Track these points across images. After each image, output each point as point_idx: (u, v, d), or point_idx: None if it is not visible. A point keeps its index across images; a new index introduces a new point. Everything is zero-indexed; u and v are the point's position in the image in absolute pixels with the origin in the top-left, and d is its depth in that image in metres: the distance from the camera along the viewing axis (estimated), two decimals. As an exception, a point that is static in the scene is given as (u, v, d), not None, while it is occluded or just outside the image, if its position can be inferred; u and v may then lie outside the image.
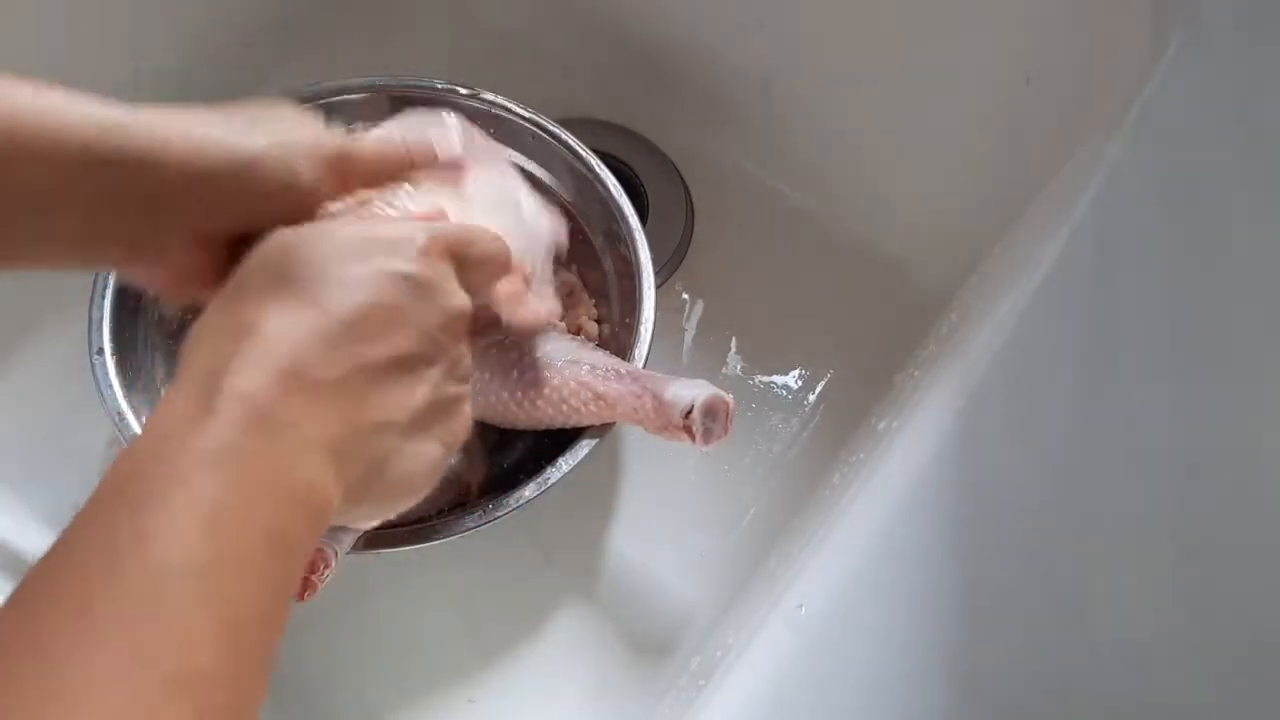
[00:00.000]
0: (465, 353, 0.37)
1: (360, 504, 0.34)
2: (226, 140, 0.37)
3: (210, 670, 0.25)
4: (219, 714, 0.25)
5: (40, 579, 0.26)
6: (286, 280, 0.32)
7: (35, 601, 0.25)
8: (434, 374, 0.35)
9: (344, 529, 0.46)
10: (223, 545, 0.27)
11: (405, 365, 0.33)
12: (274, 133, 0.38)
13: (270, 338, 0.30)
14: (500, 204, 0.45)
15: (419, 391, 0.34)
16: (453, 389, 0.36)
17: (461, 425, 0.37)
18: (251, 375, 0.29)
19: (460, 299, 0.35)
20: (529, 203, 0.47)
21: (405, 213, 0.40)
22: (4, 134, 0.34)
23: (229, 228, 0.38)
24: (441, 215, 0.40)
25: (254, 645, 0.28)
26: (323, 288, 0.32)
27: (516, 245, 0.42)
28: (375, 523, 0.38)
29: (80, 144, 0.34)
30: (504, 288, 0.41)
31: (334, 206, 0.39)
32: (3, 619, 0.25)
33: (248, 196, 0.37)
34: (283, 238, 0.34)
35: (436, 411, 0.35)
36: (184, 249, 0.38)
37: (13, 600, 0.25)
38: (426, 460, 0.36)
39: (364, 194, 0.40)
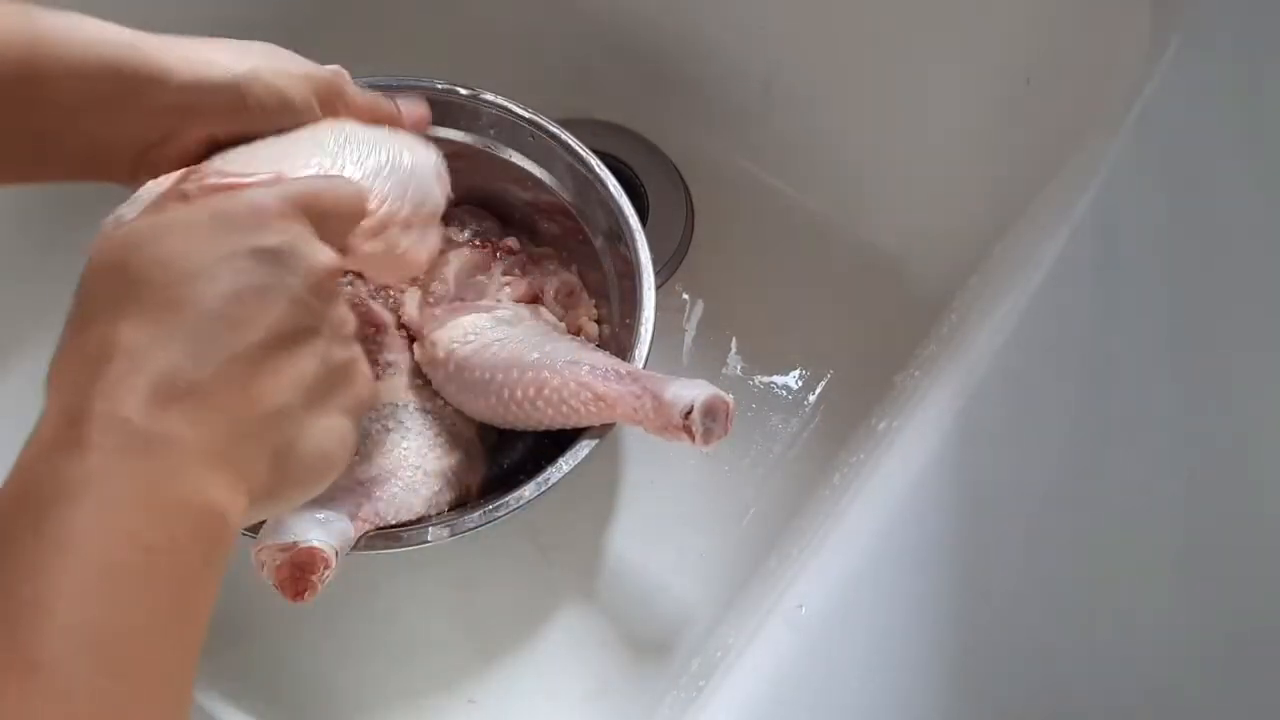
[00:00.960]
0: (345, 312, 0.35)
1: (278, 494, 0.33)
2: (222, 61, 0.39)
3: (94, 713, 0.24)
4: None
5: None
6: (134, 286, 0.30)
7: None
8: (318, 343, 0.33)
9: (344, 530, 0.46)
10: (98, 569, 0.25)
11: (284, 343, 0.32)
12: (267, 57, 0.41)
13: (131, 352, 0.28)
14: (366, 144, 0.42)
15: (305, 366, 0.32)
16: (340, 353, 0.34)
17: (363, 387, 0.36)
18: (119, 398, 0.28)
19: (323, 257, 0.33)
20: (400, 140, 0.44)
21: (235, 179, 0.37)
22: (35, 49, 0.35)
23: (230, 139, 0.40)
24: (277, 177, 0.37)
25: (148, 670, 0.26)
26: (175, 285, 0.30)
27: (384, 186, 0.40)
28: (299, 504, 0.36)
29: (100, 61, 0.36)
30: (362, 240, 0.39)
31: (153, 185, 0.37)
32: None
33: (245, 114, 0.39)
34: (117, 239, 0.32)
35: (331, 381, 0.34)
36: (185, 159, 0.39)
37: None
38: (335, 434, 0.34)
39: (194, 168, 0.38)
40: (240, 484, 0.30)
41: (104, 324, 0.29)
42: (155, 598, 0.26)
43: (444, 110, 0.58)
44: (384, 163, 0.41)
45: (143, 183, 0.38)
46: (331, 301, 0.34)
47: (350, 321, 0.36)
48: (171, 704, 0.26)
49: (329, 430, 0.34)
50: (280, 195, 0.33)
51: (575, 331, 0.60)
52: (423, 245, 0.43)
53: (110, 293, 0.30)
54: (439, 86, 0.59)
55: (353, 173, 0.40)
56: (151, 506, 0.27)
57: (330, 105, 0.42)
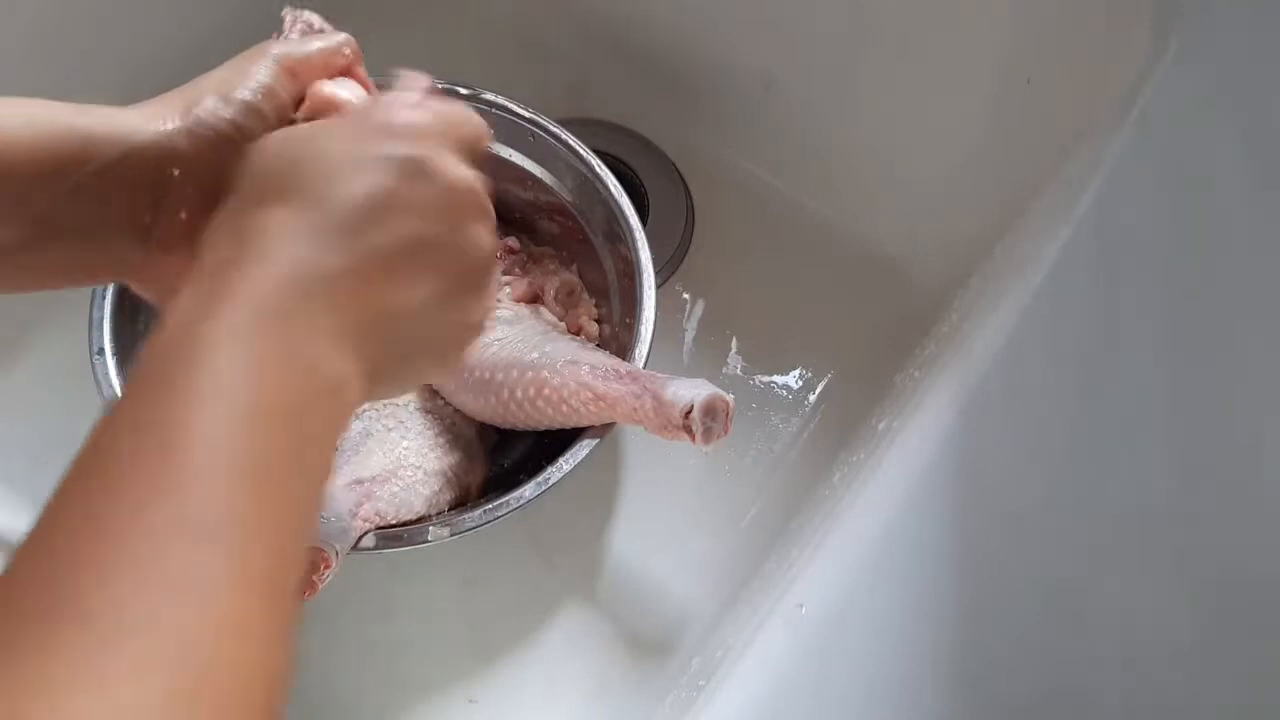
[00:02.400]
0: (483, 228, 0.37)
1: (394, 382, 0.35)
2: (211, 124, 0.38)
3: (247, 518, 0.26)
4: (258, 560, 0.26)
5: (74, 479, 0.27)
6: (291, 178, 0.32)
7: (75, 498, 0.26)
8: (450, 251, 0.35)
9: (345, 529, 0.46)
10: (236, 421, 0.28)
11: (418, 248, 0.34)
12: (241, 89, 0.39)
13: (276, 235, 0.31)
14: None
15: (433, 272, 0.34)
16: (471, 263, 0.36)
17: (488, 298, 0.38)
18: (260, 270, 0.30)
19: (462, 172, 0.35)
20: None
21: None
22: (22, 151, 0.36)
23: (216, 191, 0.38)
24: (421, 100, 0.38)
25: (281, 506, 0.28)
26: (323, 182, 0.32)
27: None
28: (405, 394, 0.38)
29: (47, 129, 0.36)
30: None
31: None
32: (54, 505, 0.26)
33: (223, 147, 0.38)
34: (283, 135, 0.35)
35: (459, 289, 0.36)
36: (193, 221, 0.38)
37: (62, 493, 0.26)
38: (454, 339, 0.37)
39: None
40: (363, 365, 0.32)
41: (260, 206, 0.32)
42: (289, 440, 0.29)
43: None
44: None
45: (166, 277, 0.39)
46: (468, 216, 0.36)
47: (484, 238, 0.37)
48: (297, 530, 0.29)
49: (448, 337, 0.36)
50: (429, 115, 0.35)
51: (575, 331, 0.60)
52: None
53: (270, 181, 0.33)
54: (439, 86, 0.58)
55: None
56: (284, 367, 0.30)
57: (298, 82, 0.41)
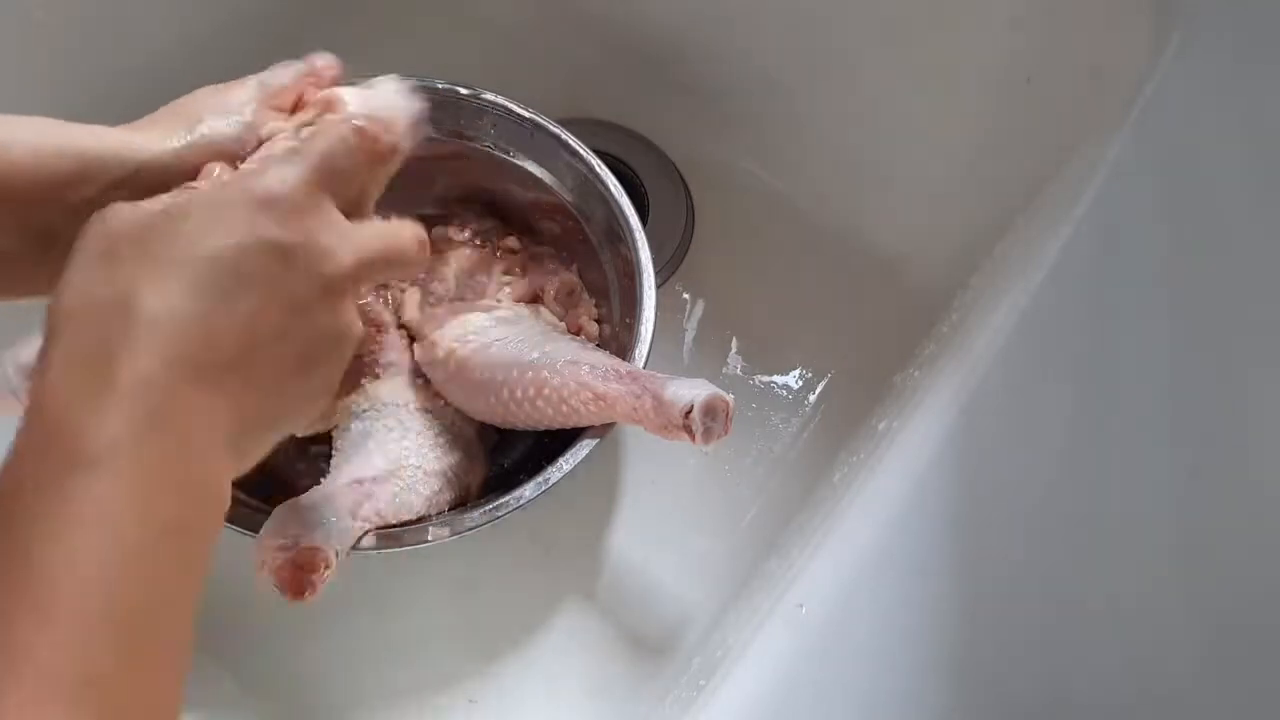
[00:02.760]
0: (348, 304, 0.35)
1: (248, 459, 0.34)
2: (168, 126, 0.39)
3: (111, 672, 0.25)
4: (125, 715, 0.25)
5: None
6: (155, 258, 0.30)
7: None
8: (320, 325, 0.34)
9: (344, 530, 0.46)
10: (115, 546, 0.26)
11: (293, 332, 0.32)
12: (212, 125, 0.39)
13: (153, 323, 0.29)
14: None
15: (309, 348, 0.33)
16: (334, 342, 0.35)
17: (349, 351, 0.36)
18: (143, 363, 0.28)
19: (340, 258, 0.33)
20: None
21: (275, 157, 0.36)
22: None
23: None
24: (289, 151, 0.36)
25: (156, 643, 0.27)
26: (195, 266, 0.30)
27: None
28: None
29: (54, 144, 0.36)
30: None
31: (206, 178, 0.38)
32: None
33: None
34: (143, 209, 0.32)
35: (329, 352, 0.35)
36: None
37: None
38: (319, 395, 0.35)
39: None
40: (239, 459, 0.32)
41: (124, 278, 0.30)
42: (167, 571, 0.28)
43: (444, 110, 0.58)
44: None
45: None
46: (340, 298, 0.34)
47: (349, 319, 0.36)
48: (177, 666, 0.28)
49: (315, 394, 0.35)
50: (297, 177, 0.33)
51: (575, 331, 0.60)
52: None
53: (134, 251, 0.30)
54: (439, 86, 0.59)
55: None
56: (169, 486, 0.28)
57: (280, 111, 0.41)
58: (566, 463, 0.50)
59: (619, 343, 0.56)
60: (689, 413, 0.46)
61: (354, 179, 0.36)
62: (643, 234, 0.56)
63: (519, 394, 0.50)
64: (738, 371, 0.66)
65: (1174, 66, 0.47)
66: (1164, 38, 0.48)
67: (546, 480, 0.49)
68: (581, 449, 0.50)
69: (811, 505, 0.56)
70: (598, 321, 0.61)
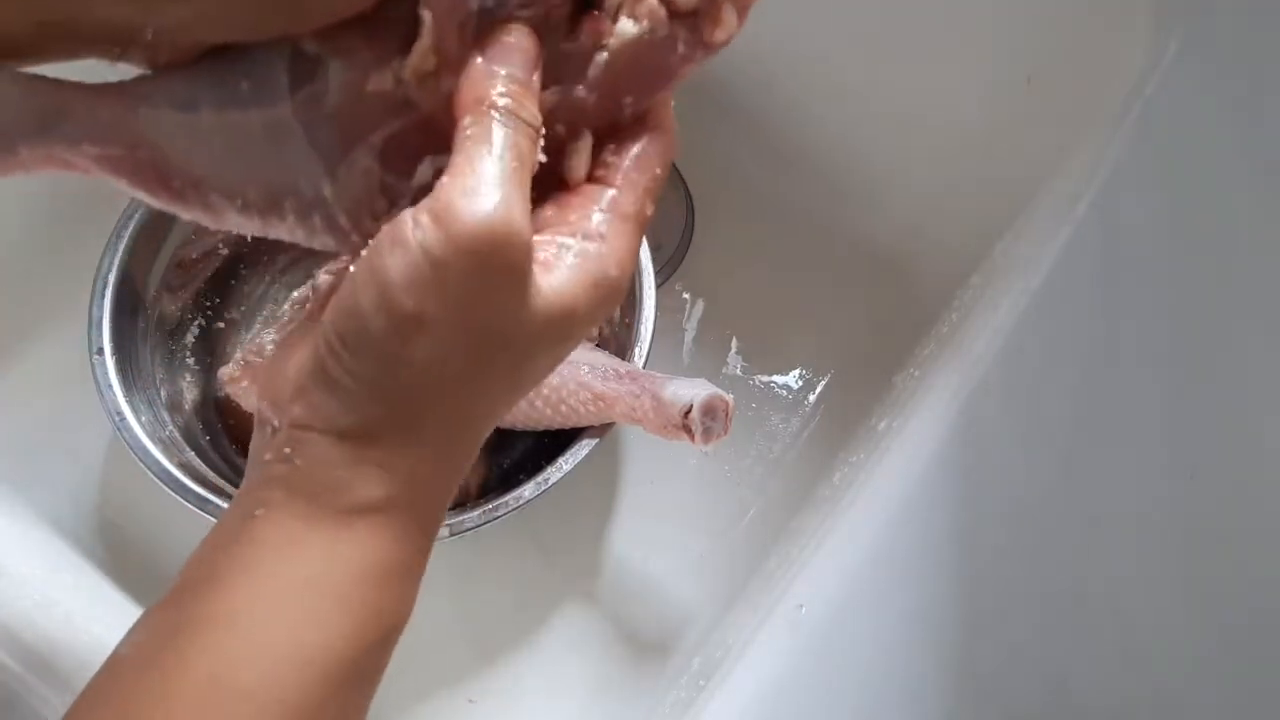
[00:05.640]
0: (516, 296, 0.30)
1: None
2: None
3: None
4: None
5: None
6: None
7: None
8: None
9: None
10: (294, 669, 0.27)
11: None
12: None
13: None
14: None
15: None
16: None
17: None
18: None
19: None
20: None
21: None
22: None
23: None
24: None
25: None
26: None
27: None
28: None
29: None
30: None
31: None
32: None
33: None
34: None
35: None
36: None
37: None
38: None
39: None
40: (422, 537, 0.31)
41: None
42: (352, 687, 0.29)
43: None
44: None
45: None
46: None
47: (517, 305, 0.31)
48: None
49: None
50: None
51: (575, 331, 0.60)
52: None
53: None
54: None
55: None
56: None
57: None
58: (566, 463, 0.50)
59: (619, 343, 0.56)
60: (688, 413, 0.46)
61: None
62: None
63: (519, 394, 0.50)
64: (737, 371, 0.66)
65: (1174, 66, 0.47)
66: (1164, 38, 0.48)
67: (546, 480, 0.49)
68: (581, 449, 0.50)
69: (811, 505, 0.56)
70: (597, 321, 0.61)
